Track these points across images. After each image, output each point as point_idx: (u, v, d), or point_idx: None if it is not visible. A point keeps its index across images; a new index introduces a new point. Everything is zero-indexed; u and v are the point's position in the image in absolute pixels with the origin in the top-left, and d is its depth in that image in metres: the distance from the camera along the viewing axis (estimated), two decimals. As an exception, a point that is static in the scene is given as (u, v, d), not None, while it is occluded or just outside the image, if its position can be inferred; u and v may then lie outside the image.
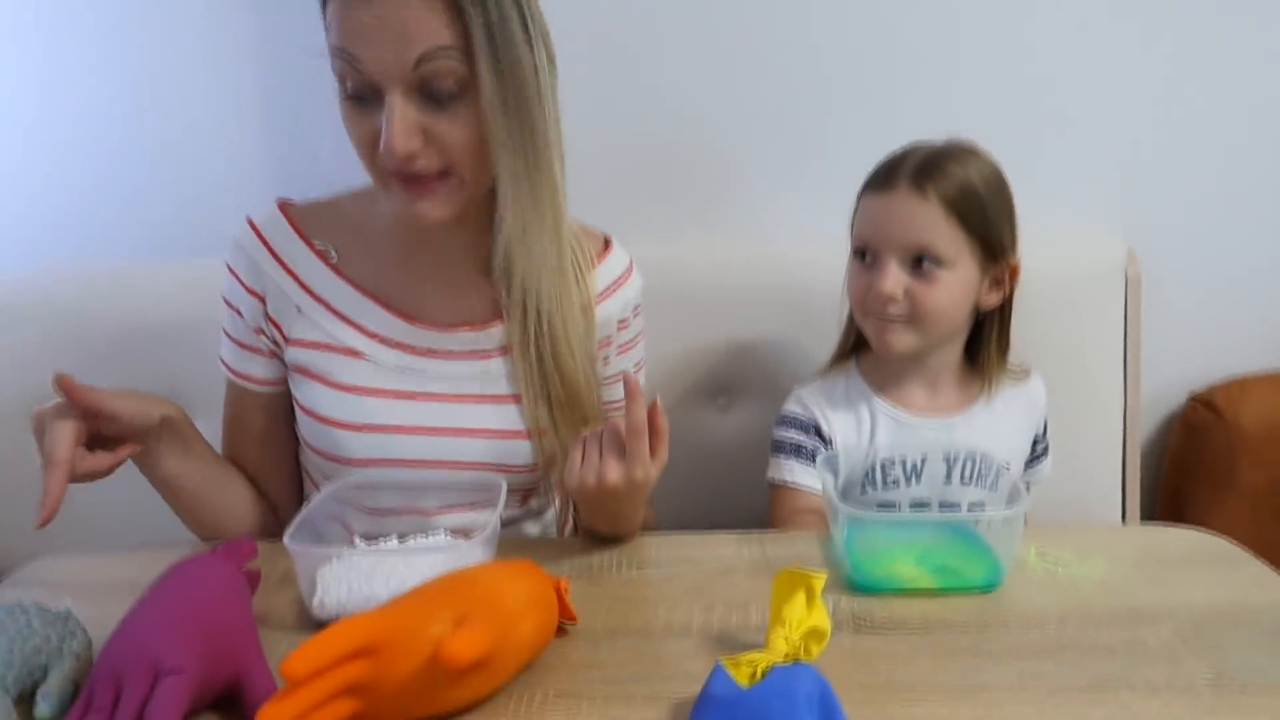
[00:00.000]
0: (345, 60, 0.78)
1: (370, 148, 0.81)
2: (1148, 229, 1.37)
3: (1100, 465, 1.37)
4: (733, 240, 1.36)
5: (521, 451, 0.94)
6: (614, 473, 0.80)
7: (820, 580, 0.67)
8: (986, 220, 0.99)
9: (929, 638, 0.73)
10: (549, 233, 0.88)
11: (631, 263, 1.03)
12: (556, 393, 0.92)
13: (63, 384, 0.78)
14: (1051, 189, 1.36)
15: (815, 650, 0.67)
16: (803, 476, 1.07)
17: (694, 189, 1.37)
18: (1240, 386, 1.37)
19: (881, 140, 1.06)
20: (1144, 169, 1.37)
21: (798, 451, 1.07)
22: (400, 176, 0.82)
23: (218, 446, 1.00)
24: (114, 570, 0.86)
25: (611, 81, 1.32)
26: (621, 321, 1.01)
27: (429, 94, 0.79)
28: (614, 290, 1.00)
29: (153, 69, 1.35)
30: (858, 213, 1.05)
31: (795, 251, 1.30)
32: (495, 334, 0.94)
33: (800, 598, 0.67)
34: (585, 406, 0.95)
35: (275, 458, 1.01)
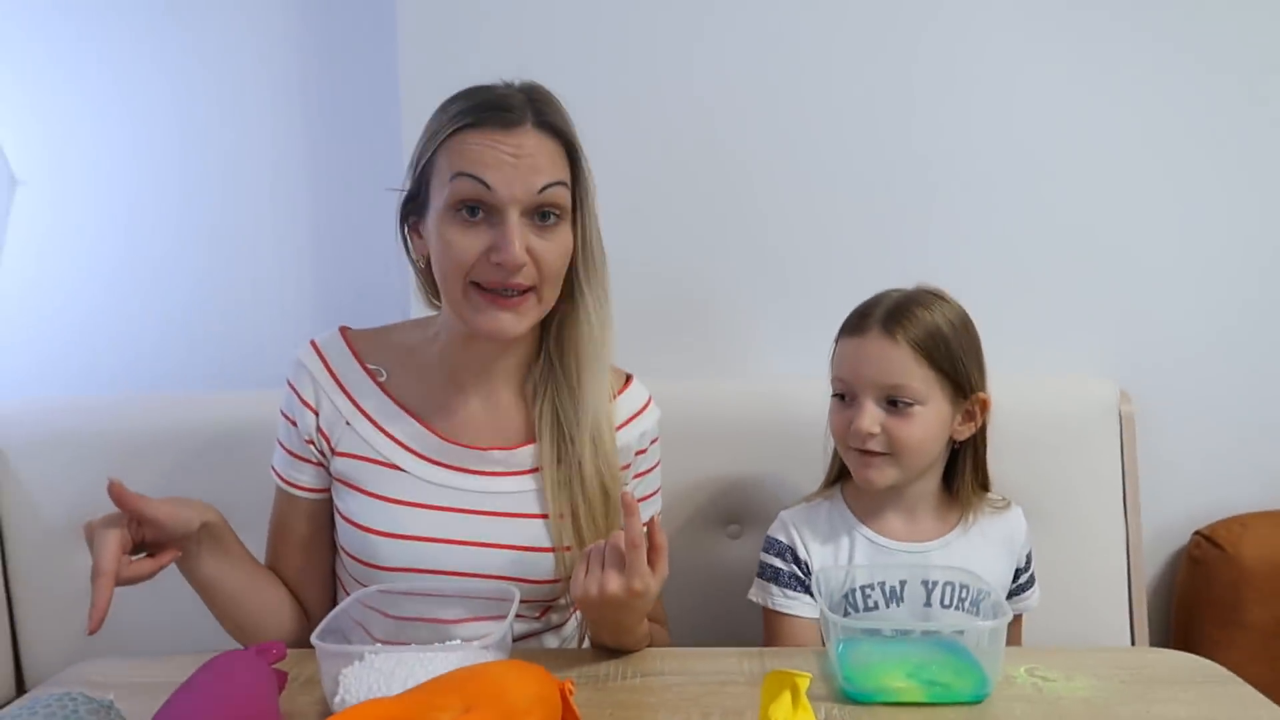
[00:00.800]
0: (474, 183, 0.93)
1: (472, 262, 0.94)
2: (1141, 371, 1.44)
3: (1107, 603, 1.38)
4: (738, 379, 1.45)
5: (544, 566, 1.01)
6: (614, 583, 0.87)
7: (805, 680, 0.71)
8: (954, 359, 1.07)
9: (915, 745, 0.76)
10: (605, 358, 1.02)
11: (650, 398, 1.13)
12: (583, 509, 1.01)
13: (113, 489, 0.87)
14: (1043, 335, 1.45)
15: (803, 752, 0.71)
16: (780, 601, 1.12)
17: (701, 334, 1.48)
18: (1241, 523, 1.40)
19: (871, 288, 1.15)
20: (1135, 313, 1.45)
21: (775, 576, 1.13)
22: (491, 292, 0.95)
23: (261, 558, 1.08)
24: (154, 671, 0.92)
25: (627, 239, 1.44)
26: (640, 451, 1.10)
27: (540, 216, 0.95)
28: (633, 419, 1.10)
29: (222, 230, 1.53)
30: (835, 355, 1.13)
31: (794, 387, 1.37)
32: (525, 454, 1.04)
33: (786, 697, 0.71)
34: (611, 521, 1.02)
35: (314, 563, 1.08)
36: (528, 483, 1.03)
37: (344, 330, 1.08)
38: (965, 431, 1.11)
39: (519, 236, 0.93)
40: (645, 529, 0.88)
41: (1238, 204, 1.42)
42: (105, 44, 1.49)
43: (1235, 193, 1.42)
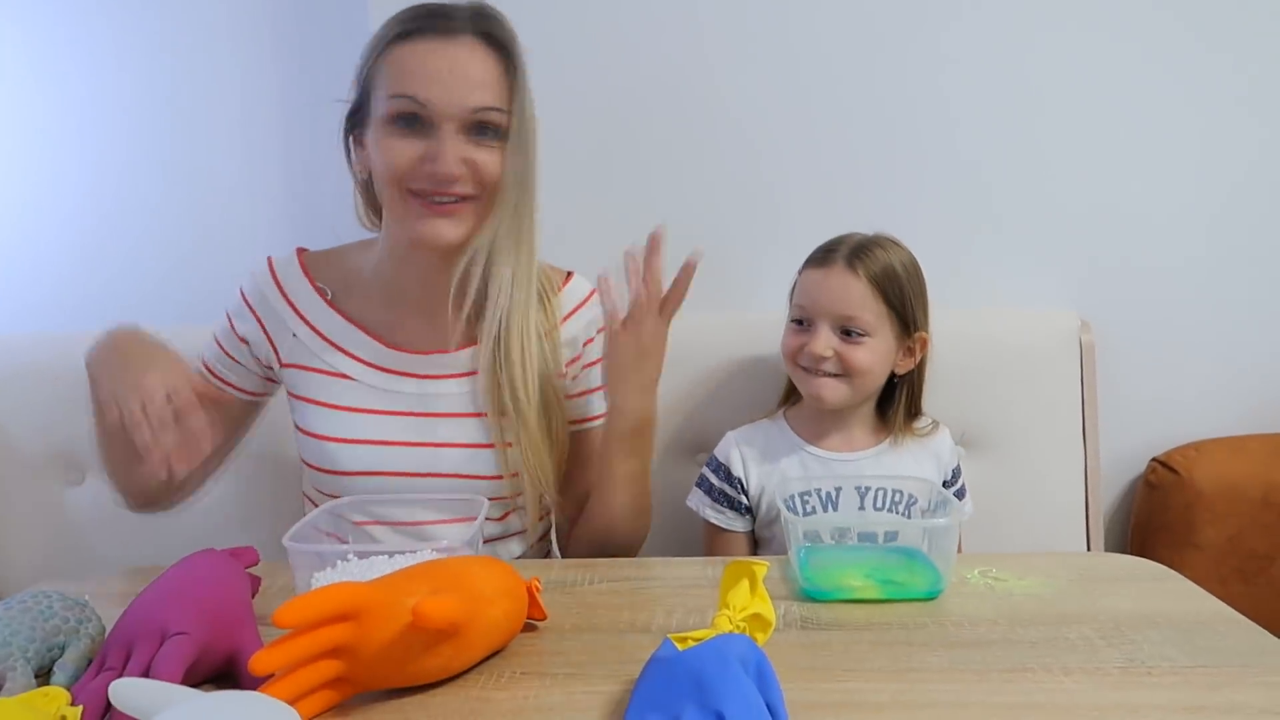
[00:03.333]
0: (409, 101, 0.94)
1: (404, 171, 0.96)
2: (1100, 302, 1.47)
3: (1065, 528, 1.42)
4: (710, 312, 1.46)
5: (488, 462, 1.06)
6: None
7: (763, 568, 0.74)
8: (904, 297, 1.17)
9: (869, 633, 0.79)
10: (524, 268, 1.03)
11: (594, 290, 1.14)
12: (518, 409, 1.04)
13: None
14: (1005, 266, 1.48)
15: (761, 639, 0.73)
16: (709, 513, 1.23)
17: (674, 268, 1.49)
18: (1196, 449, 1.44)
19: (838, 227, 1.22)
20: (1096, 245, 1.48)
21: (709, 490, 1.24)
22: (428, 200, 0.97)
23: None
24: (125, 583, 0.94)
25: (606, 173, 1.48)
26: (588, 341, 1.14)
27: (477, 131, 0.97)
28: (577, 309, 1.14)
29: (191, 162, 1.53)
30: (797, 285, 1.22)
31: (763, 321, 1.39)
32: (468, 356, 1.07)
33: (744, 585, 0.74)
34: (547, 423, 1.07)
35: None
36: (468, 384, 1.07)
37: (300, 251, 1.12)
38: (905, 366, 1.21)
39: (453, 149, 0.95)
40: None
41: (1197, 135, 1.45)
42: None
43: (1194, 124, 1.44)
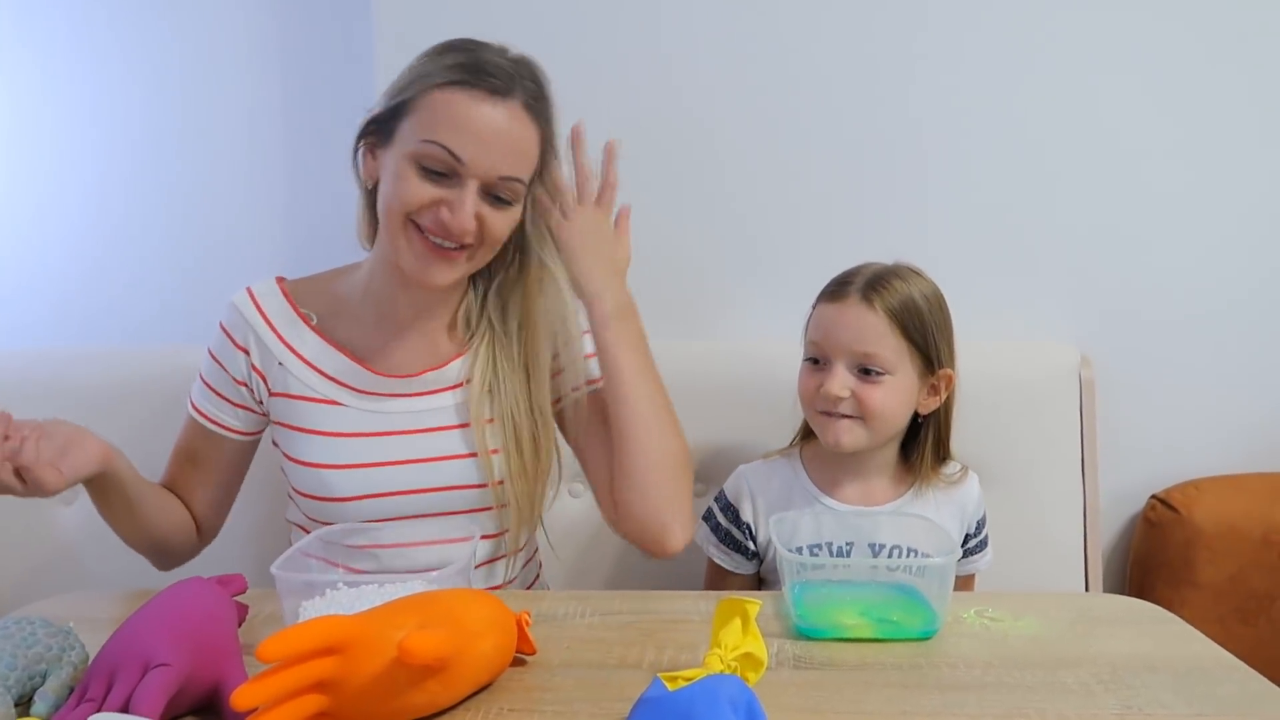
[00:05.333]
0: (446, 154, 0.95)
1: (419, 210, 0.97)
2: (1101, 337, 1.47)
3: (1064, 565, 1.41)
4: (712, 341, 1.48)
5: (480, 470, 1.06)
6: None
7: (755, 607, 0.73)
8: (925, 332, 1.10)
9: (863, 674, 0.78)
10: (560, 324, 1.10)
11: None
12: (510, 420, 1.06)
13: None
14: (1007, 300, 1.48)
15: (753, 678, 0.73)
16: (713, 551, 1.20)
17: (677, 297, 1.49)
18: (1196, 487, 1.43)
19: (842, 259, 1.19)
20: (1097, 280, 1.48)
21: (715, 528, 1.20)
22: (433, 244, 0.98)
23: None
24: (112, 607, 0.93)
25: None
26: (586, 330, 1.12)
27: (493, 195, 0.99)
28: None
29: (194, 184, 1.53)
30: (811, 320, 1.16)
31: (766, 350, 1.39)
32: (454, 368, 1.08)
33: (737, 623, 0.73)
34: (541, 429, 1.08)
35: (220, 497, 1.13)
36: (461, 394, 1.07)
37: (280, 280, 1.11)
38: (929, 405, 1.14)
39: (472, 206, 0.96)
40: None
41: (1199, 172, 1.45)
42: (73, -1, 1.49)
43: (1197, 160, 1.44)
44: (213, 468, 1.11)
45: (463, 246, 0.99)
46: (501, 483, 1.06)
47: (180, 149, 1.52)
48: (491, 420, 1.06)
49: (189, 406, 1.10)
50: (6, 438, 0.89)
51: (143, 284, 1.55)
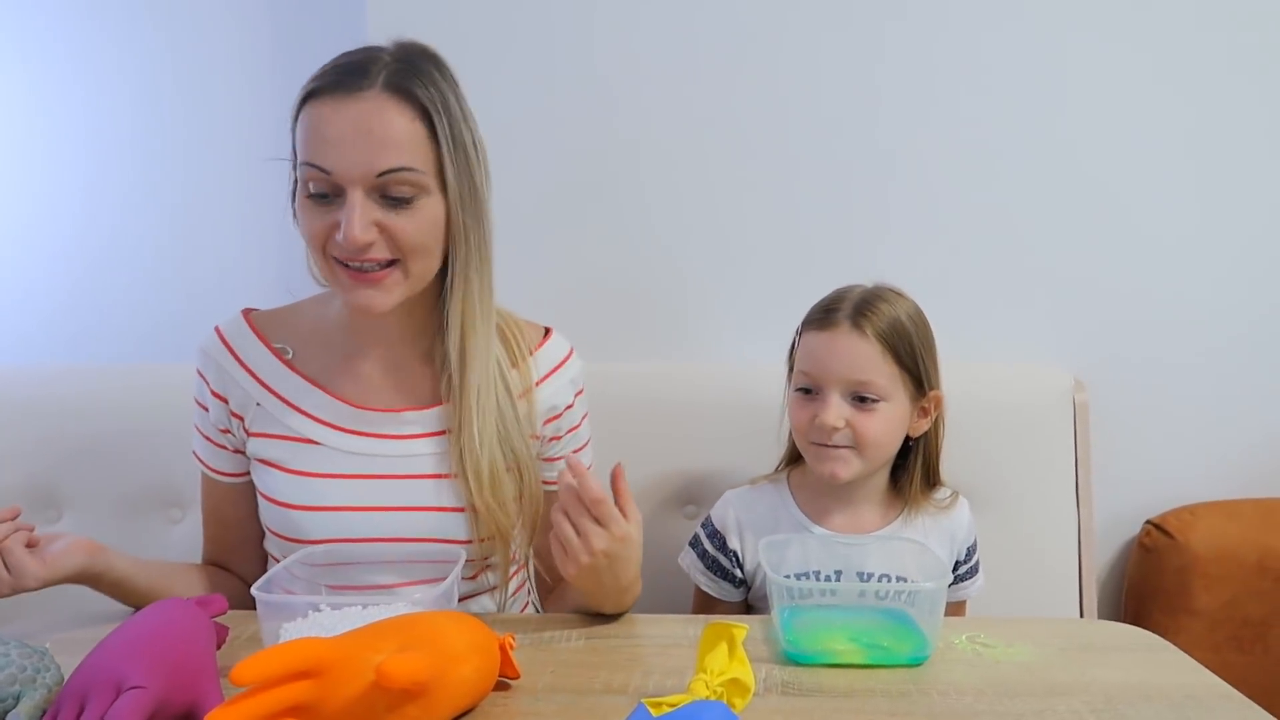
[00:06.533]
0: (315, 171, 0.89)
1: (323, 240, 0.92)
2: (1095, 361, 1.46)
3: (1058, 591, 1.40)
4: (700, 363, 1.48)
5: (461, 526, 1.01)
6: (600, 540, 0.87)
7: (742, 631, 0.72)
8: (915, 355, 1.09)
9: (852, 701, 0.77)
10: (487, 323, 0.99)
11: (572, 349, 1.11)
12: (491, 471, 0.99)
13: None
14: (999, 323, 1.47)
15: (739, 704, 0.71)
16: (699, 577, 1.18)
17: (663, 319, 1.50)
18: (1191, 513, 1.42)
19: (830, 284, 1.17)
20: (1090, 303, 1.47)
21: (702, 555, 1.18)
22: (348, 268, 0.92)
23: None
24: (91, 629, 0.91)
25: (589, 224, 1.48)
26: (568, 406, 1.09)
27: (387, 196, 0.90)
28: (555, 370, 1.08)
29: (184, 203, 1.52)
30: (799, 348, 1.14)
31: (752, 372, 1.38)
32: (437, 414, 1.02)
33: (723, 648, 0.72)
34: (521, 485, 1.03)
35: (249, 541, 1.09)
36: (443, 443, 1.02)
37: (246, 313, 1.07)
38: (920, 428, 1.13)
39: (360, 216, 0.88)
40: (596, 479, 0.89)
41: (1193, 194, 1.44)
42: (63, 11, 1.48)
43: (1190, 183, 1.44)
44: (243, 520, 1.07)
45: (386, 264, 0.92)
46: (488, 539, 1.01)
47: (172, 162, 1.51)
48: (477, 476, 0.99)
49: (195, 460, 1.07)
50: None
51: (134, 299, 1.54)
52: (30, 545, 0.89)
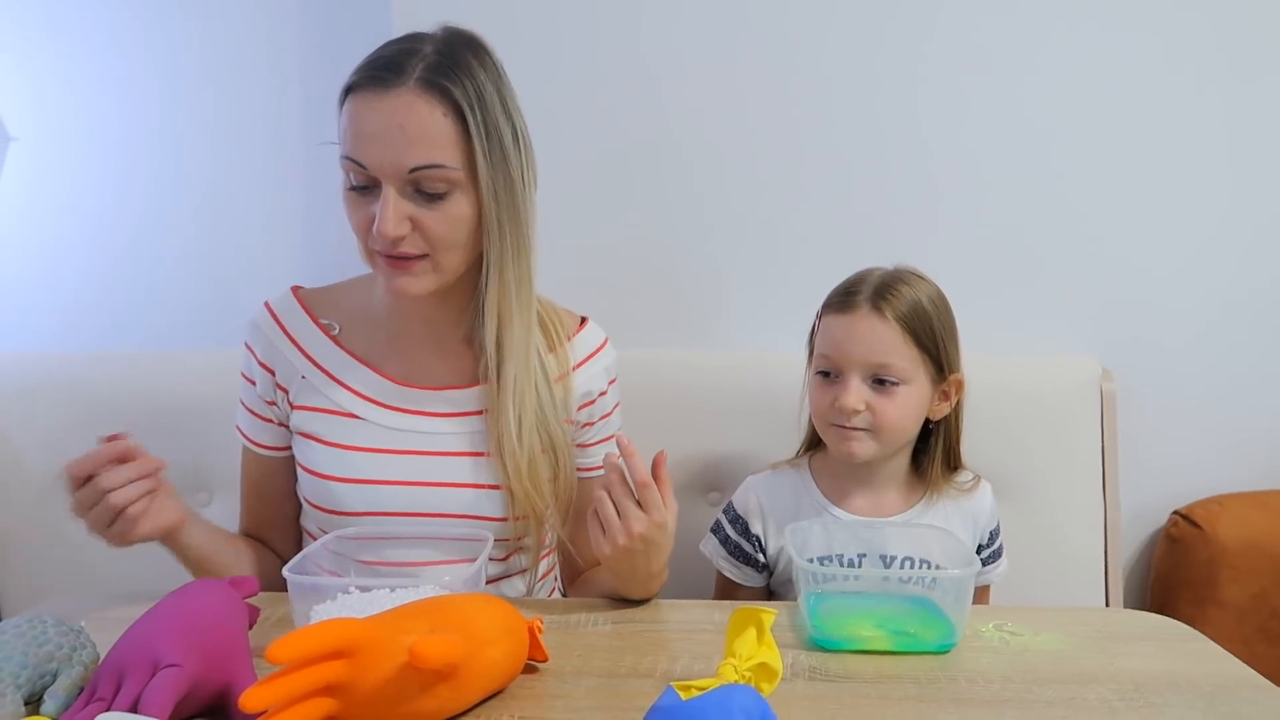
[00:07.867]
0: (353, 165, 0.92)
1: (365, 231, 0.94)
2: (1123, 350, 1.45)
3: (1084, 581, 1.39)
4: (723, 351, 1.48)
5: (496, 504, 1.02)
6: (639, 523, 0.88)
7: (770, 616, 0.72)
8: (935, 338, 1.08)
9: (878, 687, 0.77)
10: (525, 312, 1.01)
11: (607, 339, 1.13)
12: (529, 455, 1.01)
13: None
14: (1027, 312, 1.46)
15: (767, 689, 0.71)
16: (721, 563, 1.18)
17: (686, 308, 1.50)
18: (1219, 503, 1.41)
19: (851, 271, 1.15)
20: (1119, 293, 1.46)
21: (724, 541, 1.18)
22: (390, 258, 0.94)
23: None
24: (125, 610, 0.92)
25: (610, 213, 1.48)
26: (602, 393, 1.10)
27: (420, 191, 0.92)
28: (591, 356, 1.10)
29: (213, 189, 1.53)
30: (819, 331, 1.14)
31: (774, 360, 1.37)
32: (476, 394, 1.04)
33: (751, 633, 0.72)
34: (556, 468, 1.05)
35: (288, 516, 1.11)
36: (479, 423, 1.04)
37: (296, 290, 1.09)
38: (941, 411, 1.13)
39: (393, 211, 0.90)
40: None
41: (1222, 185, 1.43)
42: (94, 2, 1.49)
43: (1219, 174, 1.43)
44: (280, 495, 1.09)
45: (419, 256, 0.94)
46: (522, 518, 1.03)
47: (201, 153, 1.52)
48: (514, 455, 1.00)
49: (239, 436, 1.09)
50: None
51: (163, 288, 1.55)
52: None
